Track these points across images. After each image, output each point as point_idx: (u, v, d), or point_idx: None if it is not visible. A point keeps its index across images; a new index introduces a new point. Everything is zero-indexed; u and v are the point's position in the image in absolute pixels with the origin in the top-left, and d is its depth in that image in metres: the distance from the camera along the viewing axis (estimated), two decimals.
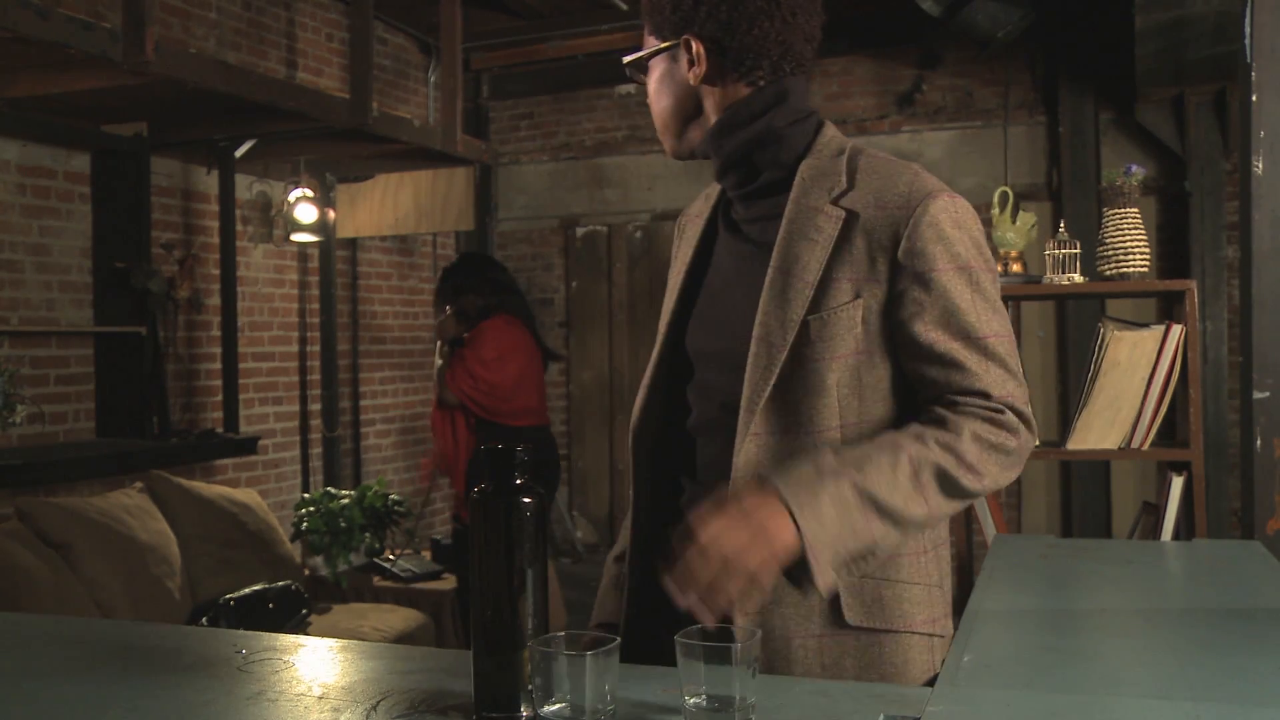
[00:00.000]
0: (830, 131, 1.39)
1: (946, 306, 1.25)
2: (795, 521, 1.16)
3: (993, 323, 1.27)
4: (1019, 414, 1.27)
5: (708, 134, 1.38)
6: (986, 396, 1.26)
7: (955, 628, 1.44)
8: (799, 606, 1.30)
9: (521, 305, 4.27)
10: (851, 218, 1.28)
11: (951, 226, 1.27)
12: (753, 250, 1.36)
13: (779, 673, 1.31)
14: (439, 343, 4.27)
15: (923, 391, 1.30)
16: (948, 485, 1.24)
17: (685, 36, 1.35)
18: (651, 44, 1.39)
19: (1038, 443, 1.35)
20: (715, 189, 1.48)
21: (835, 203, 1.29)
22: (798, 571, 1.19)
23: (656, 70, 1.39)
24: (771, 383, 1.27)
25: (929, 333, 1.26)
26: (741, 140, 1.36)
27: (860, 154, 1.34)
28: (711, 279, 1.40)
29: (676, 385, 1.40)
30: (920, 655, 1.34)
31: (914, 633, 1.34)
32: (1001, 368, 1.27)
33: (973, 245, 1.28)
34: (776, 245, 1.31)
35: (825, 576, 1.18)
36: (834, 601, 1.29)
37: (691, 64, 1.36)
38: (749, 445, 1.28)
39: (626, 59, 1.41)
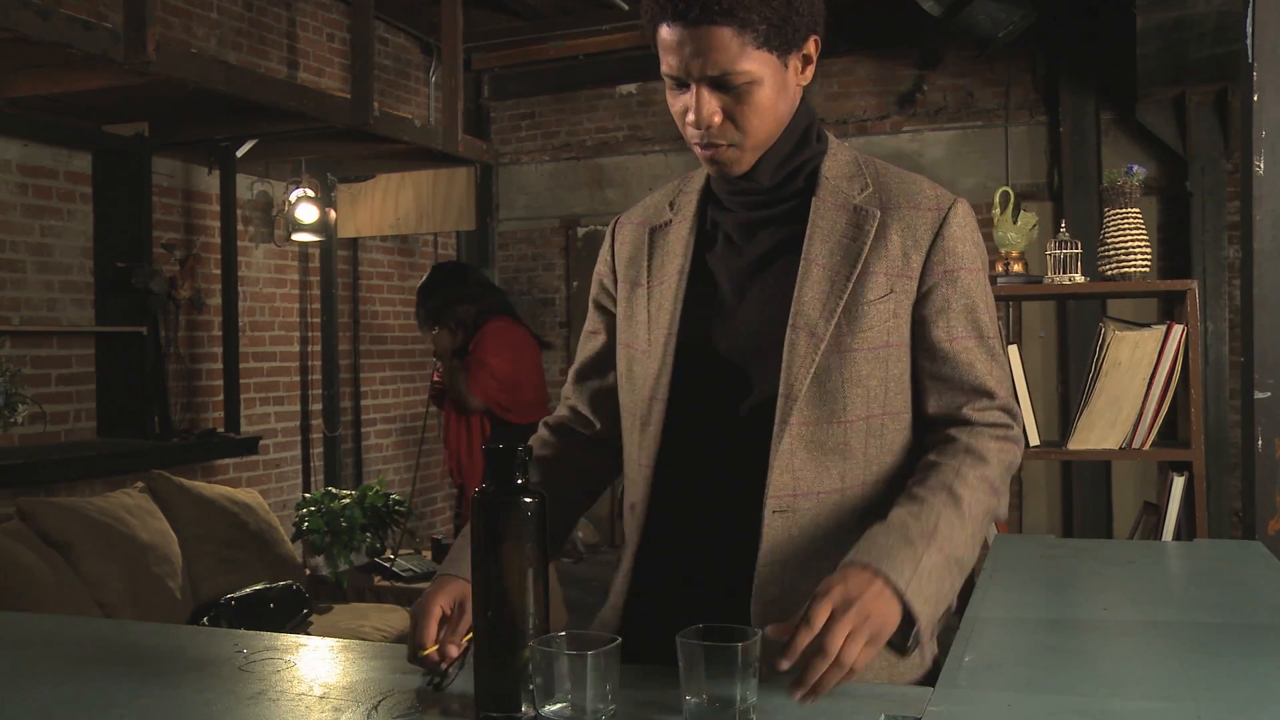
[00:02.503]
0: (830, 134, 1.42)
1: (969, 304, 1.33)
2: (905, 603, 1.16)
3: (993, 323, 1.36)
4: (1010, 411, 1.35)
5: (796, 139, 1.35)
6: (992, 395, 1.33)
7: (953, 627, 1.44)
8: None
9: (506, 301, 4.22)
10: (887, 215, 1.33)
11: (973, 230, 1.35)
12: (772, 251, 1.36)
13: None
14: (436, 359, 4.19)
15: (934, 392, 1.34)
16: (990, 518, 1.31)
17: (814, 36, 1.30)
18: (761, 55, 1.25)
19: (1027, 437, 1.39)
20: (684, 196, 1.45)
21: (868, 203, 1.34)
22: (903, 641, 1.21)
23: (768, 81, 1.27)
24: (811, 372, 1.30)
25: (952, 330, 1.33)
26: (806, 143, 1.36)
27: (871, 161, 1.39)
28: (722, 282, 1.38)
29: (681, 388, 1.38)
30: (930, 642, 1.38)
31: None
32: (1000, 367, 1.35)
33: (983, 249, 1.37)
34: (810, 241, 1.32)
35: (931, 644, 1.23)
36: None
37: (803, 66, 1.31)
38: (786, 435, 1.30)
39: (733, 73, 1.24)
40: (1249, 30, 2.64)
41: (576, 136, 6.52)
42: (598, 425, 1.51)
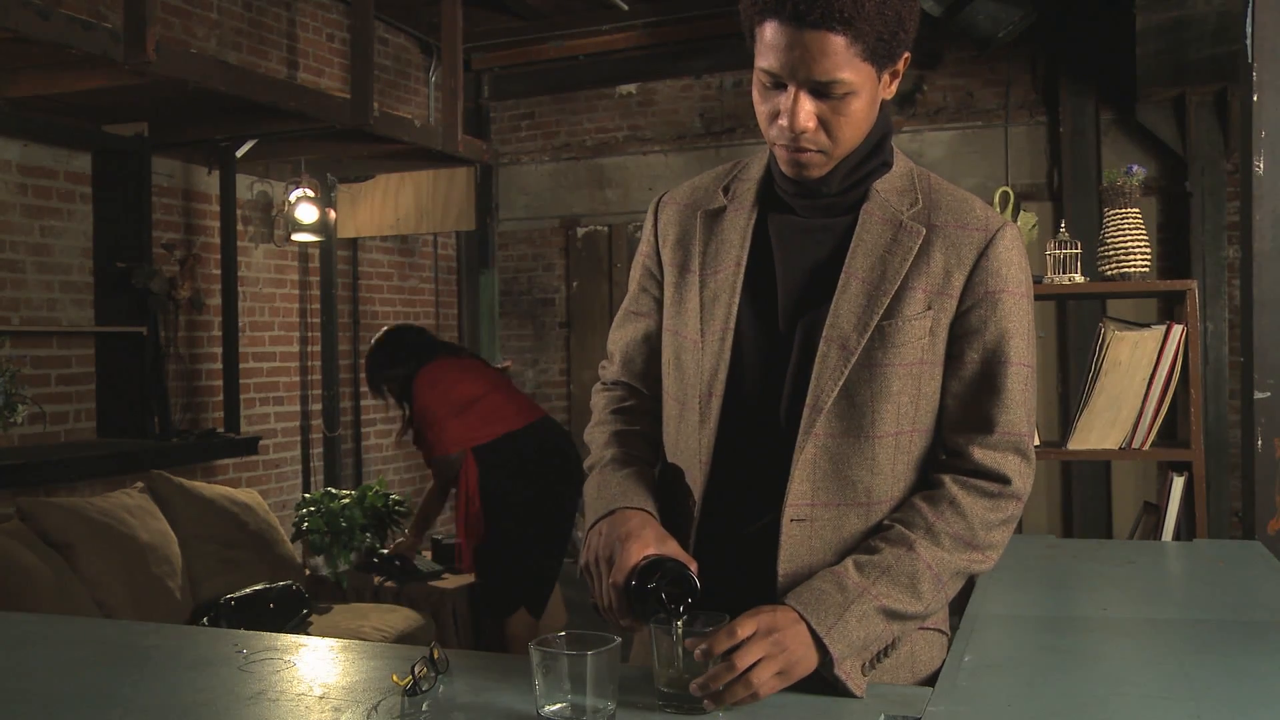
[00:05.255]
0: (896, 148, 1.40)
1: (1004, 329, 1.31)
2: (823, 644, 1.19)
3: (1028, 353, 1.33)
4: (1019, 450, 1.32)
5: (868, 150, 1.33)
6: (1003, 430, 1.31)
7: (953, 627, 1.45)
8: None
9: (438, 349, 4.06)
10: (933, 233, 1.32)
11: (1020, 254, 1.34)
12: (822, 258, 1.35)
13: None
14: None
15: (949, 412, 1.34)
16: (963, 574, 1.30)
17: (907, 53, 1.30)
18: (864, 67, 1.24)
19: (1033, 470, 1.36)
20: (741, 184, 1.42)
21: (915, 219, 1.33)
22: (830, 680, 1.21)
23: (864, 93, 1.26)
24: (839, 385, 1.29)
25: (981, 353, 1.32)
26: (876, 154, 1.35)
27: (926, 175, 1.38)
28: (775, 282, 1.36)
29: (729, 384, 1.37)
30: (938, 651, 1.38)
31: (938, 630, 1.39)
32: (1023, 397, 1.32)
33: (1028, 274, 1.35)
34: (853, 254, 1.32)
35: (857, 684, 1.21)
36: None
37: (891, 80, 1.30)
38: (810, 445, 1.30)
39: (838, 81, 1.23)
40: (1249, 30, 2.64)
41: (576, 136, 6.52)
42: (654, 400, 1.49)
